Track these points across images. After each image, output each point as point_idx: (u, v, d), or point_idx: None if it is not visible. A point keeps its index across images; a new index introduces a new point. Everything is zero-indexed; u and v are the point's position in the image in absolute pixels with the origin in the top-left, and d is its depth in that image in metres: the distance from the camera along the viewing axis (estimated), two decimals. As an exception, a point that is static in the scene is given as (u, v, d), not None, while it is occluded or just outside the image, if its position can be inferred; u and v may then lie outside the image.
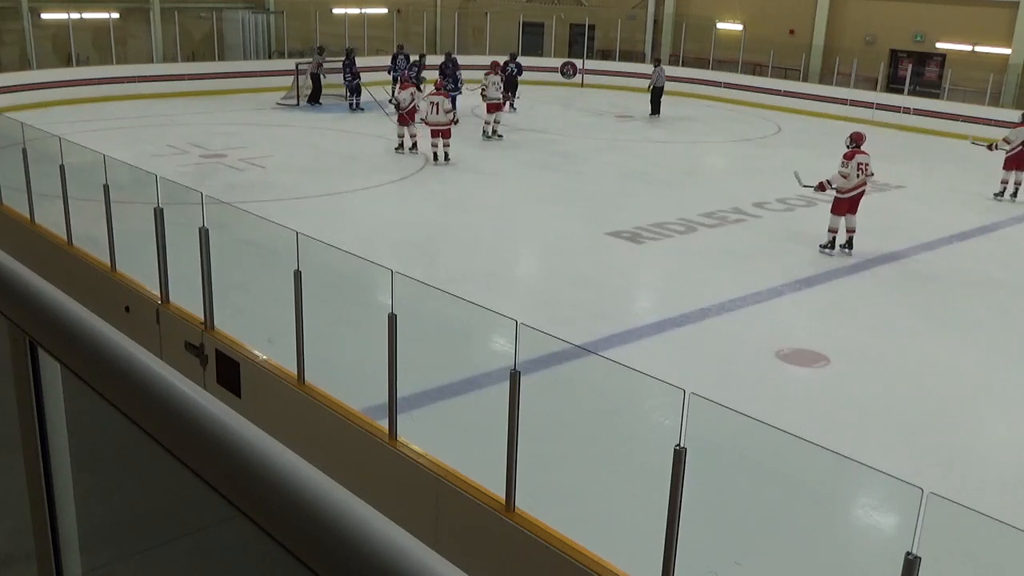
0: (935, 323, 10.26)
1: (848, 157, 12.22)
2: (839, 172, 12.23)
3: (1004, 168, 15.96)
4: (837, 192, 12.26)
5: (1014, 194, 15.93)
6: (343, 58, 22.90)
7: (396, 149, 17.76)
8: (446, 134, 16.78)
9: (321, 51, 23.47)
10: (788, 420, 5.21)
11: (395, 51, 23.95)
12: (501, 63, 21.85)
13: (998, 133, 17.95)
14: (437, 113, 16.66)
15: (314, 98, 23.07)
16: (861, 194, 12.29)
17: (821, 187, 12.46)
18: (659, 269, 12.03)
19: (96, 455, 1.48)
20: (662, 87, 23.77)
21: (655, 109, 23.59)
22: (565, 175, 16.73)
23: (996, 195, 16.05)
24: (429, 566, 0.72)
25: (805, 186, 12.82)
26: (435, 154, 16.99)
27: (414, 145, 17.55)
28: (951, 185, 17.22)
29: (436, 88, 17.46)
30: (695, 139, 21.49)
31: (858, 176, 12.12)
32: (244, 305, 9.01)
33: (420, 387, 7.35)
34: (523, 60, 25.70)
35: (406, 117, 17.49)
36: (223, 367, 7.33)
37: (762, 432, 4.63)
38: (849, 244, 12.31)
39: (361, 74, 22.67)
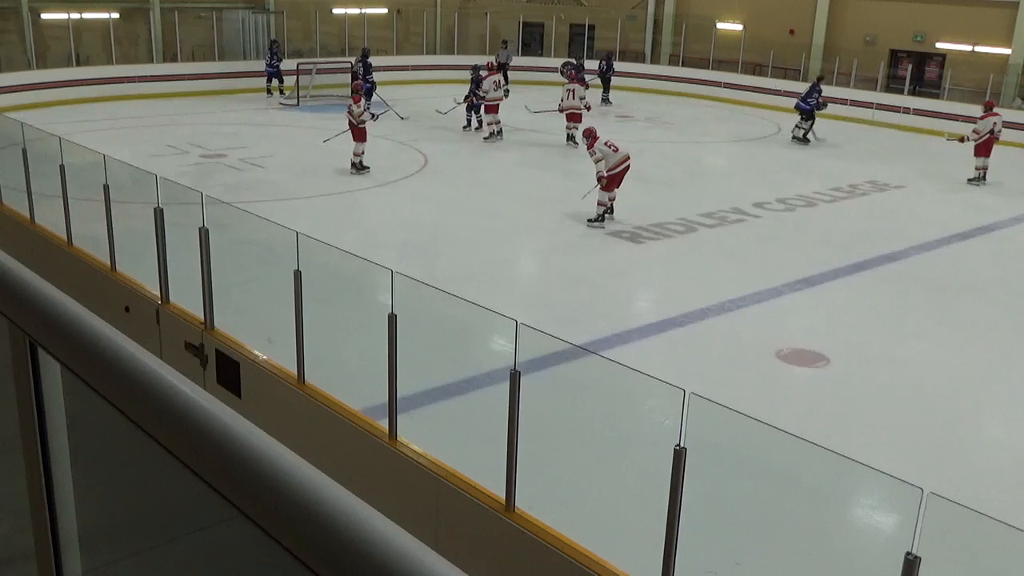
0: (935, 323, 10.26)
1: (591, 147, 13.54)
2: (594, 159, 13.45)
3: (975, 155, 17.30)
4: (608, 172, 13.35)
5: (983, 178, 17.27)
6: (359, 58, 22.78)
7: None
8: (577, 118, 18.51)
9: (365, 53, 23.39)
10: (788, 420, 5.21)
11: (603, 59, 25.22)
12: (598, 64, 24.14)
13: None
14: (572, 98, 18.60)
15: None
16: (627, 168, 13.50)
17: (601, 181, 13.37)
18: (659, 269, 12.03)
19: (96, 455, 1.48)
20: (505, 63, 25.36)
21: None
22: (565, 175, 16.71)
23: (970, 180, 17.25)
24: (429, 566, 0.72)
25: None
26: (568, 136, 18.75)
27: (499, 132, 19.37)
28: (951, 185, 17.23)
29: (570, 79, 19.10)
30: (695, 139, 21.48)
31: (615, 153, 13.46)
32: (244, 305, 9.01)
33: (420, 387, 7.35)
34: (522, 60, 25.73)
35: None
36: (223, 367, 7.32)
37: (762, 432, 4.63)
38: (611, 210, 13.54)
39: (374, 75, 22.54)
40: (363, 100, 16.24)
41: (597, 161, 13.37)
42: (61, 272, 9.24)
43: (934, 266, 12.33)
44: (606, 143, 13.45)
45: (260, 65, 25.35)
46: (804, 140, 20.54)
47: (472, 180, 16.31)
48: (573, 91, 18.68)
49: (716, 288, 10.78)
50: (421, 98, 23.84)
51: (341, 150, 18.51)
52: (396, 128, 20.44)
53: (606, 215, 13.41)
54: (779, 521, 6.21)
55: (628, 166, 13.48)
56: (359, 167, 15.94)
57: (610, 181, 13.34)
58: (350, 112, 16.03)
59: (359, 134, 15.85)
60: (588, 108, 18.92)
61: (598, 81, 24.38)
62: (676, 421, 4.38)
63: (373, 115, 16.30)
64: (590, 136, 13.59)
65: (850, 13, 26.22)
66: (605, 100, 24.70)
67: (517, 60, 28.07)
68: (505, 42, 27.70)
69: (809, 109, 20.32)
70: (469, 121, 20.30)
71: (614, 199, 13.53)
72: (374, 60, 23.42)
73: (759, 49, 26.29)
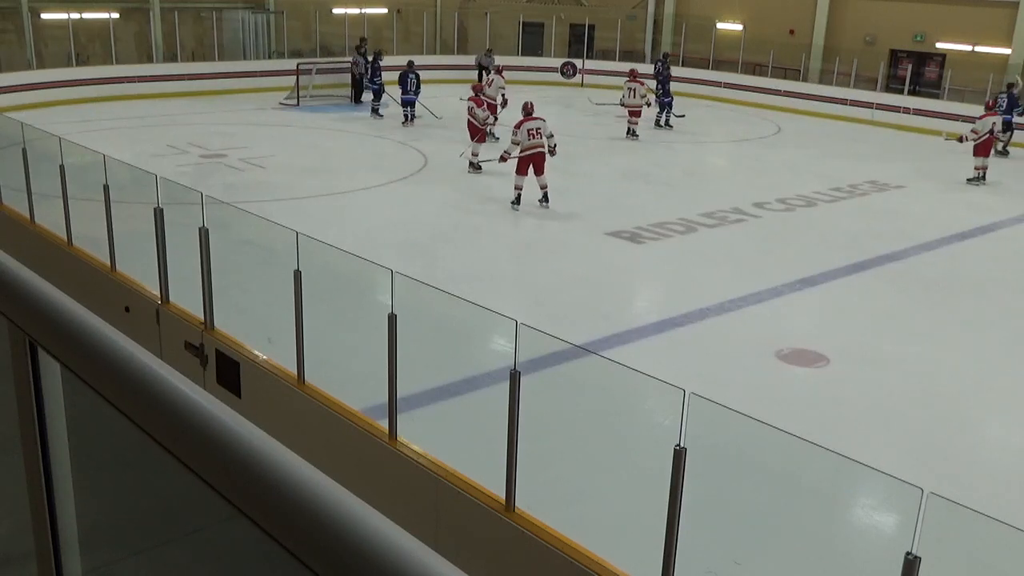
0: (935, 323, 10.26)
1: (517, 127, 14.12)
2: (511, 140, 14.18)
3: (974, 155, 17.29)
4: (518, 154, 13.99)
5: (983, 177, 17.19)
6: (370, 58, 22.81)
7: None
8: (638, 114, 20.30)
9: (360, 49, 23.36)
10: (788, 420, 5.21)
11: (659, 60, 24.33)
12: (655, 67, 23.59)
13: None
14: (633, 97, 20.08)
15: (356, 98, 23.09)
16: (539, 155, 14.01)
17: (503, 159, 14.43)
18: (659, 269, 12.03)
19: (96, 455, 1.48)
20: (486, 67, 24.91)
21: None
22: (565, 175, 16.68)
23: (969, 180, 17.20)
24: (429, 566, 0.72)
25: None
26: (628, 130, 20.30)
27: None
28: (950, 185, 17.23)
29: (632, 77, 20.22)
30: (695, 139, 21.49)
31: (530, 139, 13.96)
32: (244, 305, 9.01)
33: (420, 387, 7.35)
34: (522, 60, 25.64)
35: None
36: (223, 367, 7.32)
37: (762, 432, 4.63)
38: (545, 198, 14.13)
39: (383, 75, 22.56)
40: (485, 103, 16.97)
41: (513, 143, 14.09)
42: (61, 272, 9.24)
43: (934, 266, 12.33)
44: (529, 131, 13.98)
45: (260, 65, 25.42)
46: (1004, 152, 19.91)
47: (472, 180, 16.30)
48: (634, 90, 20.00)
49: (716, 288, 10.77)
50: (421, 98, 23.81)
51: (341, 150, 18.51)
52: (396, 128, 20.45)
53: (540, 202, 14.09)
54: (779, 521, 6.21)
55: (539, 153, 13.97)
56: (476, 167, 16.42)
57: (521, 163, 13.94)
58: (472, 114, 16.75)
59: (481, 135, 16.55)
60: (649, 105, 20.53)
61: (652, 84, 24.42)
62: (676, 421, 4.38)
63: (495, 118, 17.17)
64: (528, 109, 14.38)
65: (850, 13, 26.22)
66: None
67: (517, 60, 28.10)
68: (490, 50, 27.65)
69: (1010, 120, 19.83)
70: (407, 116, 20.64)
71: (546, 187, 14.06)
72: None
73: (759, 49, 26.29)
